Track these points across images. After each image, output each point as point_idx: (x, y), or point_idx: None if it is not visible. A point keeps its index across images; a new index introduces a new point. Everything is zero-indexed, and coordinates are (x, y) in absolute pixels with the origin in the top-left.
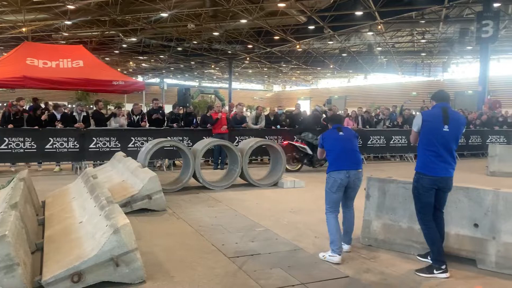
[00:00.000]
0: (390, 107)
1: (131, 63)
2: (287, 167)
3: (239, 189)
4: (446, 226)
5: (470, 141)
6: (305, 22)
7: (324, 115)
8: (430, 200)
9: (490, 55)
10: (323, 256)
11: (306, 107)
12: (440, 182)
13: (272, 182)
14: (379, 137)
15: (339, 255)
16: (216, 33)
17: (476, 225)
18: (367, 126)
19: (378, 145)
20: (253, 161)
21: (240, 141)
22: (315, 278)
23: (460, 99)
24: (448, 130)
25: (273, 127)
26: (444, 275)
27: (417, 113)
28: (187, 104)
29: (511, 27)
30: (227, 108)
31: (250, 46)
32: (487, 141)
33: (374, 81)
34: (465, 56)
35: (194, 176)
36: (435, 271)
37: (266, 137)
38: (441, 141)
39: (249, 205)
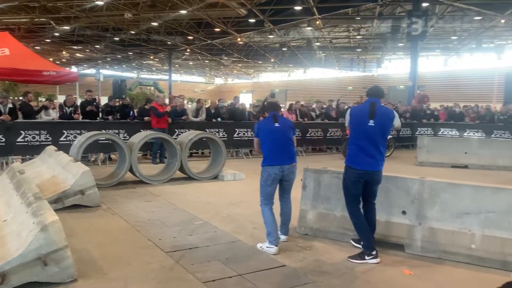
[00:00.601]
0: (327, 101)
1: (64, 52)
2: None
3: (178, 183)
4: (377, 214)
5: (400, 133)
6: (245, 15)
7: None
8: (357, 193)
9: (420, 52)
10: (261, 247)
11: (248, 101)
12: (365, 175)
13: (212, 175)
14: (316, 129)
15: (276, 246)
16: (155, 24)
17: (404, 212)
18: (305, 119)
19: (316, 137)
20: (193, 155)
21: (180, 134)
22: (253, 268)
23: (393, 93)
24: (373, 125)
25: (214, 120)
26: (374, 260)
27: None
28: (123, 96)
29: (438, 26)
30: (167, 101)
31: (190, 37)
32: (416, 133)
33: (313, 76)
34: (397, 53)
35: (131, 170)
36: (366, 257)
37: (207, 130)
38: (366, 135)
39: (188, 199)
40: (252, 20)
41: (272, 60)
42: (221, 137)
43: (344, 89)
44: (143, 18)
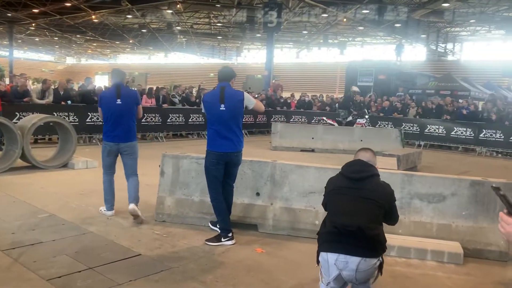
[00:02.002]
0: (187, 87)
1: None
2: None
3: (20, 172)
4: (234, 196)
5: (257, 120)
6: None
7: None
8: (216, 174)
9: (275, 43)
10: (100, 210)
11: (104, 83)
12: (223, 157)
13: (61, 163)
14: (178, 115)
15: (111, 210)
16: None
17: (258, 194)
18: (167, 104)
19: (178, 123)
20: (39, 141)
21: (22, 118)
22: (105, 260)
23: (251, 82)
24: (224, 109)
25: (63, 103)
26: (230, 242)
27: None
28: None
29: (291, 20)
30: (7, 80)
31: (35, 10)
32: (271, 119)
33: (174, 60)
34: (255, 43)
35: None
36: (222, 239)
37: (54, 113)
38: (220, 119)
39: (32, 190)
40: None
41: (130, 41)
42: (71, 122)
43: (206, 75)
44: None
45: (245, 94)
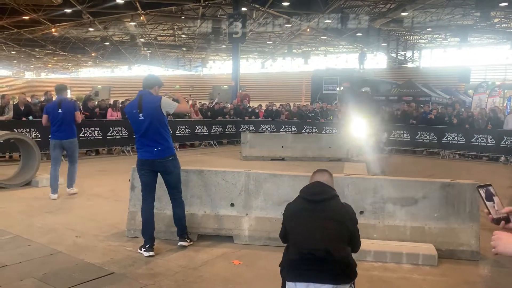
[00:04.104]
0: None
1: None
2: None
3: None
4: (206, 208)
5: (226, 130)
6: (60, 4)
7: None
8: (144, 180)
9: (240, 54)
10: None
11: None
12: (146, 164)
13: (24, 181)
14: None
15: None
16: None
17: (232, 205)
18: None
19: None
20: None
21: None
22: (77, 281)
23: (218, 93)
24: (143, 118)
25: (24, 119)
26: (146, 253)
27: None
28: None
29: (256, 30)
30: None
31: None
32: (240, 129)
33: (138, 73)
34: (220, 54)
35: None
36: (142, 248)
37: (15, 130)
38: (140, 128)
39: None
40: (68, 10)
41: (93, 54)
42: (34, 138)
43: (171, 87)
44: None
45: (163, 99)
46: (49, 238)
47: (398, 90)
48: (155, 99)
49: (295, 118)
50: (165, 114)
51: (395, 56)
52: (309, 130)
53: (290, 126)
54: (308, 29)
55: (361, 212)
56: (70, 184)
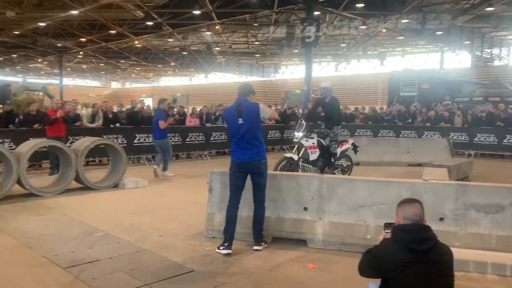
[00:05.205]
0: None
1: None
2: None
3: (74, 193)
4: (280, 211)
5: None
6: (143, 17)
7: None
8: (235, 183)
9: (313, 58)
10: None
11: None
12: (242, 166)
13: (112, 184)
14: (220, 133)
15: None
16: (42, 24)
17: (305, 209)
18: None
19: (220, 141)
20: (90, 163)
21: (74, 141)
22: (160, 277)
23: (290, 97)
24: (242, 122)
25: (112, 126)
26: (224, 251)
27: None
28: (7, 102)
29: (329, 33)
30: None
31: (83, 39)
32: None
33: (214, 80)
34: (292, 59)
35: (20, 182)
36: (220, 247)
37: (104, 136)
38: (238, 131)
39: (86, 210)
40: (150, 23)
41: (172, 64)
42: (120, 143)
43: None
44: (29, 18)
45: (260, 105)
46: (135, 236)
47: (484, 90)
48: (253, 105)
49: (370, 122)
50: (261, 120)
51: (479, 54)
52: (386, 133)
53: (365, 130)
54: (384, 30)
55: (441, 219)
56: (164, 168)
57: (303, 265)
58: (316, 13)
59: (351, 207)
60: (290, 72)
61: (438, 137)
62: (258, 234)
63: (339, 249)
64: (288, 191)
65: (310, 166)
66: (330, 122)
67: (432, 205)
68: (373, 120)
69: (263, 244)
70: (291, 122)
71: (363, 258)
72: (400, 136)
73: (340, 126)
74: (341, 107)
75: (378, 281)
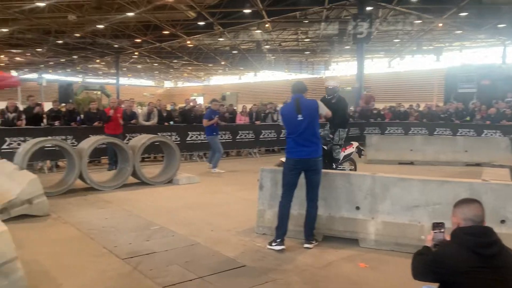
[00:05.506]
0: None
1: (2, 56)
2: None
3: (131, 188)
4: (331, 210)
5: (350, 133)
6: (194, 17)
7: None
8: (290, 180)
9: (365, 54)
10: None
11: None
12: (300, 163)
13: (166, 179)
14: (270, 131)
15: None
16: (100, 26)
17: (358, 208)
18: (259, 121)
19: (270, 138)
20: (145, 159)
21: (131, 139)
22: (213, 270)
23: (341, 94)
24: (302, 118)
25: (166, 124)
26: (278, 247)
27: None
28: (70, 100)
29: (381, 29)
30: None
31: (138, 40)
32: (364, 132)
33: (263, 78)
34: (344, 55)
35: (81, 177)
36: (273, 244)
37: (158, 133)
38: (297, 128)
39: (143, 204)
40: (201, 23)
41: (222, 63)
42: (174, 141)
43: None
44: (88, 21)
45: (319, 102)
46: (189, 230)
47: None
48: (312, 101)
49: (424, 120)
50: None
51: None
52: (442, 132)
53: (420, 128)
54: (440, 24)
55: (502, 221)
56: (214, 165)
57: (355, 264)
58: (368, 8)
59: (405, 207)
60: (341, 69)
61: (499, 135)
62: (310, 232)
63: (392, 250)
64: (339, 189)
65: None
66: (334, 125)
67: (492, 207)
68: (429, 118)
69: (314, 242)
70: None
71: (418, 261)
72: (458, 134)
73: (346, 129)
74: (393, 104)
75: (433, 285)
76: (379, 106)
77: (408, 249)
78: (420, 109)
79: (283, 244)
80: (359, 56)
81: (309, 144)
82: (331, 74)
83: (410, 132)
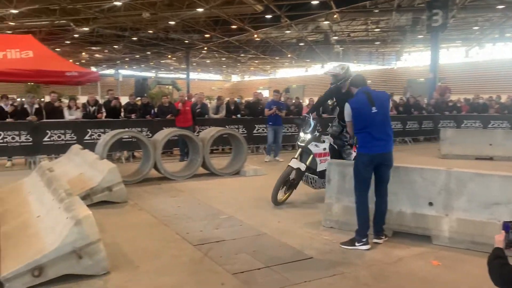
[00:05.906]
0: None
1: (83, 53)
2: None
3: (201, 178)
4: (402, 205)
5: (423, 126)
6: (262, 11)
7: None
8: (366, 176)
9: (440, 43)
10: None
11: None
12: (376, 158)
13: (234, 171)
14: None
15: None
16: (172, 22)
17: (431, 204)
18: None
19: None
20: (214, 151)
21: (200, 131)
22: (280, 261)
23: (412, 86)
24: (376, 110)
25: (233, 117)
26: (364, 247)
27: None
28: (145, 95)
29: (458, 16)
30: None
31: (207, 35)
32: (439, 125)
33: (316, 71)
34: (416, 45)
35: (156, 167)
36: (356, 244)
37: (226, 126)
38: (372, 121)
39: (212, 194)
40: (268, 16)
41: (289, 55)
42: (242, 133)
43: None
44: (161, 17)
45: (389, 94)
46: (256, 220)
47: None
48: (383, 93)
49: (506, 112)
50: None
51: None
52: None
53: (501, 122)
54: None
55: None
56: (275, 154)
57: (426, 261)
58: None
59: (483, 204)
60: (414, 59)
61: None
62: (379, 227)
63: (468, 248)
64: (411, 184)
65: (315, 177)
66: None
67: None
68: (511, 111)
69: (384, 237)
70: (414, 112)
71: (501, 268)
72: None
73: None
74: (470, 96)
75: None
76: (455, 97)
77: (485, 249)
78: (502, 101)
79: (368, 243)
80: (433, 45)
81: (385, 137)
82: (403, 65)
83: (489, 126)
